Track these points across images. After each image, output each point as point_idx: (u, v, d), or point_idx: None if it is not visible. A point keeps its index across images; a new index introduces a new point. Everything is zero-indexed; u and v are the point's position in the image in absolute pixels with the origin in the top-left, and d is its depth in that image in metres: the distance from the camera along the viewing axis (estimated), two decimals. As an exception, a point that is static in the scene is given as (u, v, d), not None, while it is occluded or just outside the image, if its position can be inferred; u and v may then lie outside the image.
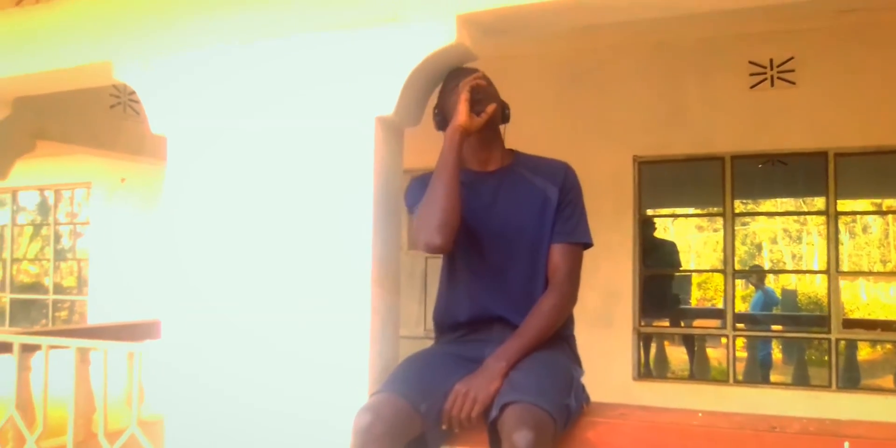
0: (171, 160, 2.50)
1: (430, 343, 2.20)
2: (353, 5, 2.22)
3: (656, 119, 5.13)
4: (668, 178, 6.07)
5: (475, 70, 2.12)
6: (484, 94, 2.02)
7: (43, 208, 9.26)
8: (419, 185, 2.08)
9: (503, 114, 2.14)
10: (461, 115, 1.98)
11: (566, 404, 1.78)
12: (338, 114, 2.22)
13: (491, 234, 2.05)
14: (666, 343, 6.99)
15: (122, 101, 4.95)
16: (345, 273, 2.16)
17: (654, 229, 6.64)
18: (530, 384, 1.76)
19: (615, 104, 5.24)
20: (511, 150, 2.19)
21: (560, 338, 2.05)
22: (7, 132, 3.53)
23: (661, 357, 6.56)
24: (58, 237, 9.05)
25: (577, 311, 2.09)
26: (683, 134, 5.06)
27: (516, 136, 2.28)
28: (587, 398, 1.97)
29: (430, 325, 2.22)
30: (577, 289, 2.04)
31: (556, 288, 2.01)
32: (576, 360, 2.08)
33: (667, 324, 6.81)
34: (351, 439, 1.74)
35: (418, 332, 5.54)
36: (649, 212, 6.25)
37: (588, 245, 2.09)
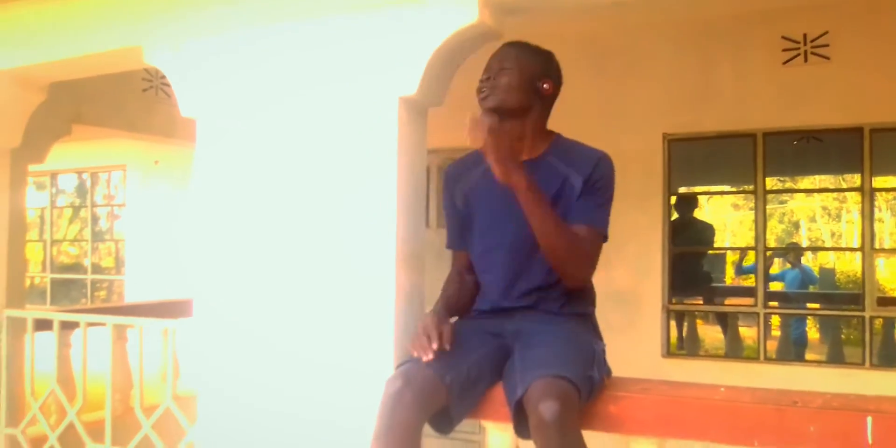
0: (201, 143, 2.54)
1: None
2: (376, -15, 2.23)
3: (687, 96, 5.06)
4: (698, 156, 5.99)
5: (517, 45, 2.13)
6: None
7: (81, 191, 9.45)
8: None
9: (538, 95, 2.08)
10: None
11: (589, 376, 1.80)
12: (361, 94, 2.24)
13: (515, 227, 2.02)
14: (699, 321, 6.93)
15: (154, 85, 5.02)
16: (370, 252, 2.19)
17: (697, 207, 6.53)
18: (552, 358, 1.78)
19: (644, 81, 5.17)
20: (550, 134, 2.14)
21: (581, 315, 2.08)
22: (44, 117, 3.60)
23: (693, 335, 6.52)
24: (95, 219, 9.24)
25: (606, 289, 2.08)
26: (715, 111, 4.99)
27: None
28: (609, 370, 1.99)
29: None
30: (595, 262, 2.01)
31: None
32: (597, 335, 2.10)
33: (699, 302, 6.77)
34: (380, 404, 1.78)
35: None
36: (681, 189, 6.19)
37: (603, 235, 2.04)
